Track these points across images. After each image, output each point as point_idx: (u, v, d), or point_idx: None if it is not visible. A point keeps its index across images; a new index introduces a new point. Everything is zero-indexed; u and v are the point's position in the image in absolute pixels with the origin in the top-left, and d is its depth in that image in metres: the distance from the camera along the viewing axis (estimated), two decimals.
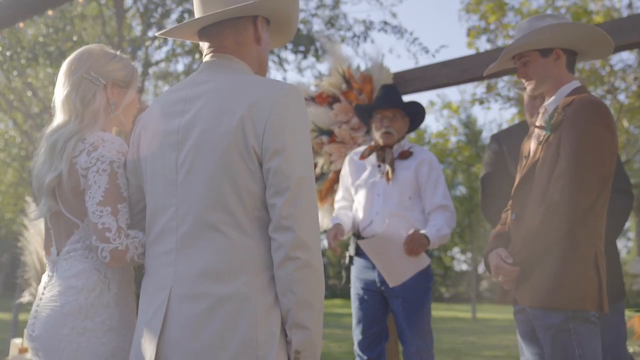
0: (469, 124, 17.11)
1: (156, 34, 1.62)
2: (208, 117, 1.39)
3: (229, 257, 1.34)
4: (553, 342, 1.91)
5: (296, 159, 1.34)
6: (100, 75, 1.74)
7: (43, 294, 1.69)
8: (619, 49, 3.83)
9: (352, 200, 3.21)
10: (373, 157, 3.13)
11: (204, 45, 1.57)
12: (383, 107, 3.12)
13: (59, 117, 1.78)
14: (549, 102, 2.10)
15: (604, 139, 1.91)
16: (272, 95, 1.38)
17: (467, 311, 21.43)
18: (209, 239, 1.35)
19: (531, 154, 2.11)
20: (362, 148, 3.28)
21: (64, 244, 1.68)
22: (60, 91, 1.78)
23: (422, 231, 2.89)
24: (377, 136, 3.12)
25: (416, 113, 3.18)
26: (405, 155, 3.08)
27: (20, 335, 4.14)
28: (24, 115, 8.68)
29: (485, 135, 17.10)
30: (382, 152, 3.08)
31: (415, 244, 2.82)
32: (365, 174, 3.13)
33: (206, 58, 1.55)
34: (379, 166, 3.09)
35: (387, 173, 3.02)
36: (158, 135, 1.48)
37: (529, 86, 2.13)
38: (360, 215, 3.07)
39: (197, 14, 1.55)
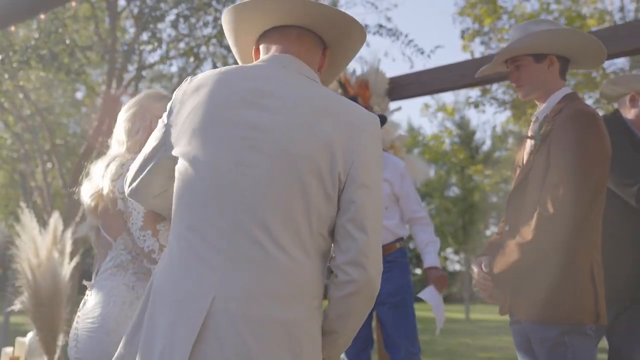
0: (463, 125, 17.16)
1: (225, 12, 1.46)
2: (292, 123, 1.27)
3: (293, 279, 1.24)
4: (549, 355, 1.89)
5: (378, 197, 1.32)
6: (147, 112, 1.94)
7: (79, 316, 1.80)
8: (615, 56, 3.85)
9: None
10: None
11: (267, 48, 1.44)
12: None
13: (111, 147, 2.00)
14: (540, 110, 2.08)
15: (594, 148, 1.87)
16: (366, 123, 1.33)
17: (461, 312, 21.48)
18: (270, 255, 1.22)
19: (524, 164, 2.09)
20: None
21: (101, 265, 1.82)
22: (116, 126, 2.00)
23: (429, 265, 3.13)
24: None
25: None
26: None
27: (11, 342, 4.09)
28: (15, 118, 8.60)
29: (479, 137, 17.16)
30: None
31: (445, 284, 3.11)
32: None
33: (282, 54, 1.40)
34: None
35: None
36: (220, 121, 1.29)
37: (520, 91, 2.11)
38: None
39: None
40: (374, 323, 3.48)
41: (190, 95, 1.36)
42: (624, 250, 2.43)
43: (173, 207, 1.34)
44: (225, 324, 1.18)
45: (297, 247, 1.24)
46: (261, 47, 1.46)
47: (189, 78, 1.43)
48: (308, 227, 1.26)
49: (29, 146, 9.21)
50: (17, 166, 11.70)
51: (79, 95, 13.55)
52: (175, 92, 1.43)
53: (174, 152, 1.36)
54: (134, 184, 1.49)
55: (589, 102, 9.29)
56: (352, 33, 1.45)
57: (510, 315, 2.09)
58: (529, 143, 2.09)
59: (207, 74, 1.39)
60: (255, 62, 1.43)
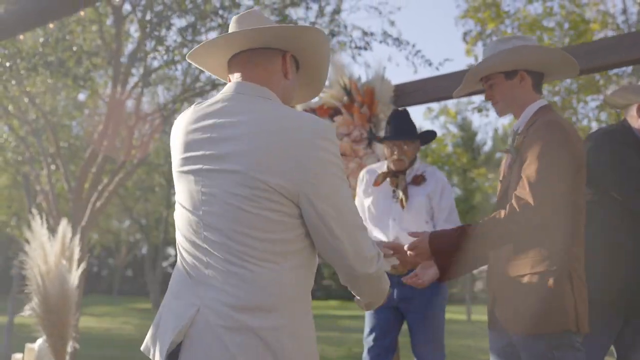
0: (465, 127, 17.17)
1: (187, 57, 1.61)
2: (248, 147, 1.37)
3: (267, 289, 1.37)
4: None
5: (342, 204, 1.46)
6: None
7: None
8: (621, 64, 3.88)
9: (365, 218, 3.25)
10: (387, 183, 3.19)
11: (233, 77, 1.56)
12: (398, 139, 3.14)
13: None
14: (516, 124, 2.13)
15: (560, 157, 1.90)
16: (314, 133, 1.39)
17: (462, 313, 21.48)
18: (243, 269, 1.36)
19: (504, 177, 2.14)
20: (375, 166, 3.34)
21: None
22: None
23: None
24: (389, 162, 3.19)
25: (428, 137, 3.27)
26: (418, 181, 3.14)
27: (20, 348, 4.12)
28: (21, 121, 8.63)
29: (480, 138, 17.20)
30: (396, 179, 3.15)
31: None
32: (380, 197, 3.19)
33: (234, 83, 1.52)
34: (393, 191, 3.16)
35: (402, 201, 3.10)
36: (180, 158, 1.48)
37: (496, 108, 2.15)
38: (375, 236, 3.13)
39: (230, 45, 1.53)
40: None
41: (172, 134, 1.56)
42: (629, 259, 2.46)
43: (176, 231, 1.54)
44: (208, 333, 1.33)
45: (265, 259, 1.36)
46: (230, 77, 1.58)
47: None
48: (268, 239, 1.37)
49: (33, 149, 9.24)
50: (20, 168, 11.73)
51: (82, 96, 13.59)
52: None
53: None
54: None
55: (592, 104, 9.30)
56: (302, 38, 1.54)
57: (490, 321, 2.12)
58: (508, 156, 2.14)
59: (181, 114, 1.56)
60: (216, 96, 1.54)
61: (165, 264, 31.55)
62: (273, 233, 1.36)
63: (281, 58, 1.54)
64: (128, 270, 37.00)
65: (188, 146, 1.46)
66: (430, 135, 3.25)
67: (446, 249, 1.94)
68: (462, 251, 1.94)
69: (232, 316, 1.32)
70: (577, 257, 1.95)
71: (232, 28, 1.59)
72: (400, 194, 3.10)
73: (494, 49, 2.11)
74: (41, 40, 6.10)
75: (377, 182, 3.19)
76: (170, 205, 25.46)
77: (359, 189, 3.32)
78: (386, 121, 3.23)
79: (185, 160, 1.46)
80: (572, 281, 1.91)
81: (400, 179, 3.13)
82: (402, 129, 3.15)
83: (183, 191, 1.47)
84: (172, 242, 37.14)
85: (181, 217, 1.47)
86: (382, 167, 3.28)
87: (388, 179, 3.17)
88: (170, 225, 27.92)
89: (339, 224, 1.38)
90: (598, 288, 2.45)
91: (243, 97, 1.46)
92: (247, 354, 1.31)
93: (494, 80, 2.10)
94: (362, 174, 3.33)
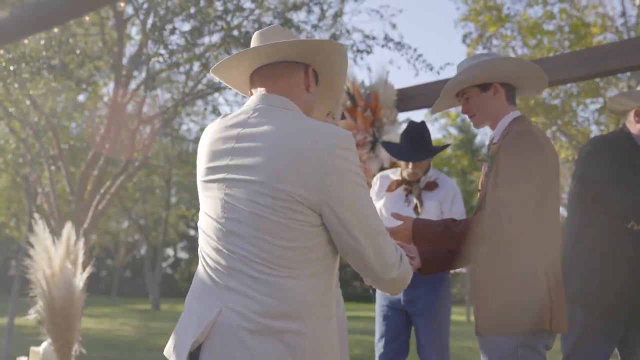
0: (464, 128, 17.21)
1: (211, 72, 1.66)
2: (269, 159, 1.41)
3: (289, 296, 1.40)
4: None
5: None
6: None
7: None
8: (621, 70, 3.91)
9: None
10: (400, 188, 3.27)
11: (256, 90, 1.60)
12: (415, 161, 3.16)
13: None
14: (492, 134, 2.21)
15: (532, 164, 1.97)
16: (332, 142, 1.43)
17: (462, 314, 21.50)
18: (266, 275, 1.40)
19: (482, 186, 2.21)
20: (389, 171, 3.42)
21: None
22: None
23: None
24: (404, 172, 3.26)
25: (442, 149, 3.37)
26: (431, 187, 3.23)
27: (24, 352, 4.14)
28: (22, 123, 8.64)
29: (480, 140, 17.22)
30: (409, 186, 3.24)
31: None
32: (391, 200, 3.27)
33: (258, 96, 1.56)
34: (406, 195, 3.24)
35: (417, 207, 3.18)
36: (205, 168, 1.53)
37: (473, 121, 2.23)
38: None
39: (252, 59, 1.58)
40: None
41: (199, 145, 1.61)
42: (628, 264, 2.47)
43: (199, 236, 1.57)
44: (231, 334, 1.37)
45: (287, 266, 1.40)
46: (252, 90, 1.62)
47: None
48: (290, 247, 1.40)
49: (34, 150, 9.24)
50: (20, 170, 11.72)
51: (81, 98, 13.58)
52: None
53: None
54: None
55: (592, 107, 9.32)
56: (324, 52, 1.59)
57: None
58: (485, 165, 2.21)
59: (208, 126, 1.61)
60: (241, 109, 1.59)
61: (164, 264, 31.55)
62: (295, 241, 1.40)
63: (303, 72, 1.59)
64: (127, 271, 36.98)
65: (213, 156, 1.51)
66: (444, 149, 3.36)
67: (427, 237, 2.02)
68: (442, 243, 2.03)
69: (254, 319, 1.36)
70: (553, 259, 2.00)
71: (254, 42, 1.63)
72: (415, 199, 3.19)
73: (467, 64, 2.20)
74: (42, 42, 6.12)
75: (391, 188, 3.27)
76: (169, 207, 25.47)
77: (371, 192, 3.38)
78: (403, 131, 3.26)
79: (210, 170, 1.51)
80: (548, 282, 1.96)
81: (415, 187, 3.22)
82: (419, 147, 3.17)
83: (207, 199, 1.51)
84: (171, 243, 37.10)
85: (205, 224, 1.52)
86: (396, 172, 3.34)
87: (402, 186, 3.26)
88: (169, 227, 27.93)
89: (361, 231, 1.42)
90: (597, 292, 2.48)
91: (267, 109, 1.50)
92: (268, 357, 1.34)
93: (469, 93, 2.18)
94: (376, 179, 3.40)
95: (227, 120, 1.54)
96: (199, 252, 1.55)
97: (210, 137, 1.55)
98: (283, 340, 1.35)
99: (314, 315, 1.40)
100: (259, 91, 1.58)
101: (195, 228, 40.38)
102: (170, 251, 36.53)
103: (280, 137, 1.42)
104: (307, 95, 1.59)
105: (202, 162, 1.55)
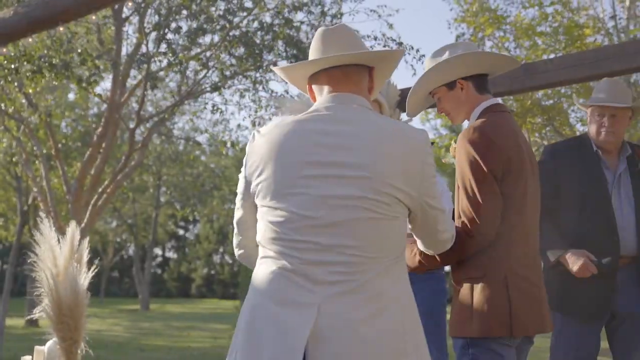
0: (457, 130, 17.31)
1: (273, 68, 1.72)
2: (364, 151, 1.47)
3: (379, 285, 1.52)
4: None
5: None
6: None
7: None
8: (623, 72, 3.95)
9: None
10: None
11: (322, 89, 1.63)
12: None
13: None
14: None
15: (478, 161, 1.89)
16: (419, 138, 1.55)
17: None
18: (358, 267, 1.50)
19: None
20: None
21: None
22: None
23: None
24: None
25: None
26: None
27: (29, 351, 4.10)
28: (17, 122, 8.57)
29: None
30: None
31: None
32: None
33: (336, 94, 1.59)
34: None
35: None
36: (298, 163, 1.49)
37: (450, 119, 2.19)
38: None
39: (317, 55, 1.63)
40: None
41: (263, 146, 1.55)
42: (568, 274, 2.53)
43: (260, 239, 1.54)
44: (338, 322, 1.40)
45: (378, 259, 1.47)
46: (314, 86, 1.65)
47: (257, 129, 1.62)
48: (382, 242, 1.49)
49: (29, 149, 9.17)
50: (11, 169, 11.60)
51: (71, 96, 13.46)
52: (247, 145, 1.62)
53: (257, 202, 1.55)
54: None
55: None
56: (391, 59, 1.70)
57: None
58: None
59: (272, 126, 1.58)
60: (315, 107, 1.60)
61: (153, 264, 31.33)
62: (391, 233, 1.49)
63: (368, 74, 1.65)
64: (114, 272, 36.69)
65: (299, 154, 1.49)
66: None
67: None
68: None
69: (360, 307, 1.42)
70: (515, 257, 1.91)
71: (320, 41, 1.65)
72: None
73: (429, 64, 2.11)
74: (47, 42, 6.08)
75: None
76: (158, 206, 25.28)
77: None
78: None
79: (297, 166, 1.48)
80: (507, 286, 1.87)
81: None
82: None
83: (291, 197, 1.47)
84: (160, 243, 36.85)
85: (290, 222, 1.47)
86: None
87: None
88: (159, 226, 27.72)
89: (445, 222, 1.65)
90: (558, 292, 2.57)
91: (354, 108, 1.57)
92: (382, 340, 1.43)
93: (439, 93, 2.12)
94: None
95: (307, 118, 1.54)
96: (271, 256, 1.50)
97: (287, 135, 1.51)
98: (385, 316, 1.44)
99: (406, 297, 1.52)
100: (326, 90, 1.62)
101: (184, 228, 40.14)
102: (158, 251, 36.32)
103: (380, 136, 1.49)
104: (368, 96, 1.65)
105: (278, 161, 1.50)
